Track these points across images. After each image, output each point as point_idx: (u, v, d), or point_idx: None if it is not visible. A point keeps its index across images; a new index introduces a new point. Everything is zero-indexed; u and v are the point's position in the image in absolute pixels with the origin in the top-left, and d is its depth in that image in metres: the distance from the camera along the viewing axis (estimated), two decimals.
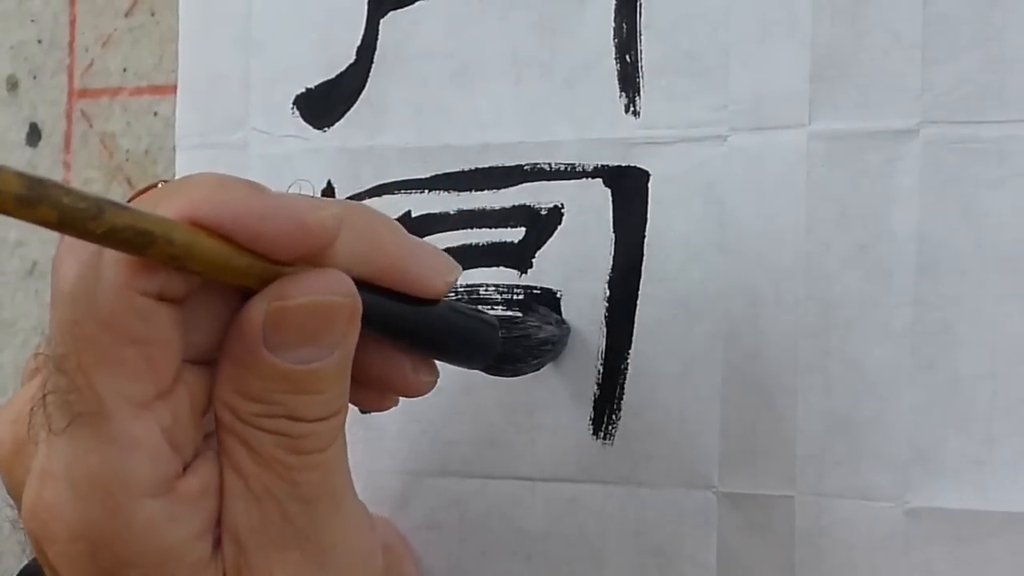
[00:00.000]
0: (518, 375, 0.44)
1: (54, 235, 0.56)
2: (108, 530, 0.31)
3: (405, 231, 0.36)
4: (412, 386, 0.38)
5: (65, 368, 0.31)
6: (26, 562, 0.47)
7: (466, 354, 0.40)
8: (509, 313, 0.42)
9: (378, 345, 0.36)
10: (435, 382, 0.38)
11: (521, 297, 0.46)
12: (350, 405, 0.35)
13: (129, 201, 0.50)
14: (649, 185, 0.45)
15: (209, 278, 0.31)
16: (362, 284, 0.33)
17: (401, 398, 0.39)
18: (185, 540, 0.32)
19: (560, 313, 0.46)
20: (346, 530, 0.35)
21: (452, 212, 0.48)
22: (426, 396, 0.47)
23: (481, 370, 0.41)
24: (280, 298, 0.31)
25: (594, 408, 0.45)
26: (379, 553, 0.38)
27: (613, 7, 0.46)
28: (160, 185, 0.49)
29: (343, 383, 0.33)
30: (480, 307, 0.45)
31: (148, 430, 0.31)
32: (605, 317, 0.45)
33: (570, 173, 0.46)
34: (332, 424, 0.33)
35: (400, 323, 0.36)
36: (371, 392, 0.38)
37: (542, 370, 0.46)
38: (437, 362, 0.39)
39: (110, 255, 0.30)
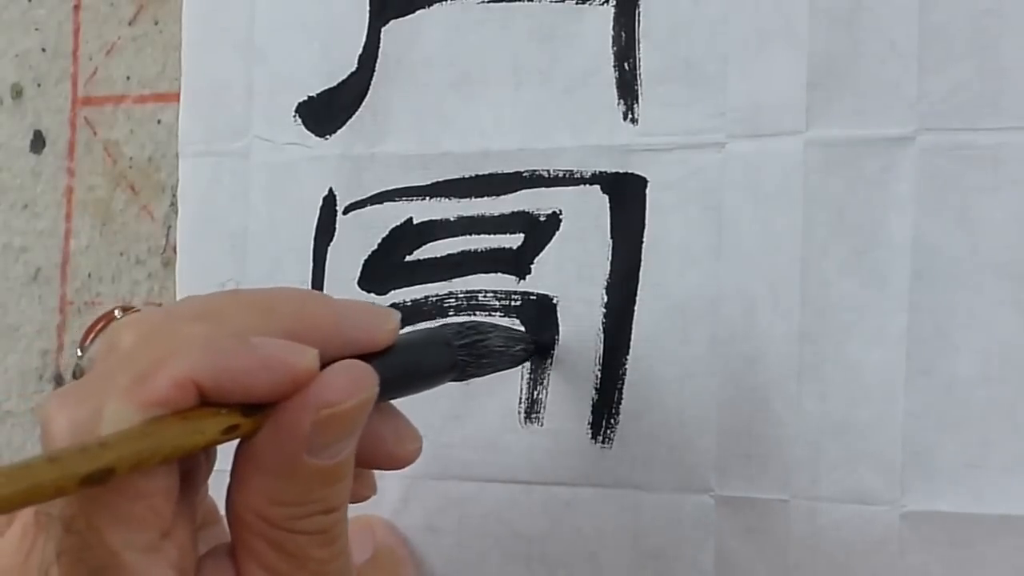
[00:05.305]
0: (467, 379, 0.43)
1: (57, 241, 0.57)
2: None
3: (332, 299, 0.36)
4: (398, 458, 0.37)
5: (75, 528, 0.31)
6: None
7: (431, 381, 0.40)
8: (463, 319, 0.42)
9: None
10: (420, 448, 0.38)
11: (519, 303, 0.47)
12: None
13: (88, 333, 0.49)
14: (647, 192, 0.45)
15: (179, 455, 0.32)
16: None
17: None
18: None
19: (557, 318, 0.46)
20: None
21: (452, 219, 0.48)
22: (425, 399, 0.48)
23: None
24: (327, 405, 0.32)
25: (592, 412, 0.46)
26: None
27: (612, 15, 0.46)
28: (118, 314, 0.49)
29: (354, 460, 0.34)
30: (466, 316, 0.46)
31: (162, 571, 0.32)
32: (603, 322, 0.46)
33: (569, 180, 0.46)
34: (347, 504, 0.34)
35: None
36: (357, 480, 0.38)
37: (542, 373, 0.46)
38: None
39: (107, 421, 0.31)
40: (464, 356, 0.40)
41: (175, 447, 0.31)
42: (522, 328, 0.47)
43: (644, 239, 0.45)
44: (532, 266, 0.47)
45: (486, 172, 0.48)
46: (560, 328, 0.46)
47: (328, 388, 0.32)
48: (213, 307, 0.34)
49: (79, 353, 0.50)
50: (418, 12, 0.49)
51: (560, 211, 0.46)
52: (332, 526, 0.33)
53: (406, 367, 0.37)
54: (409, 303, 0.48)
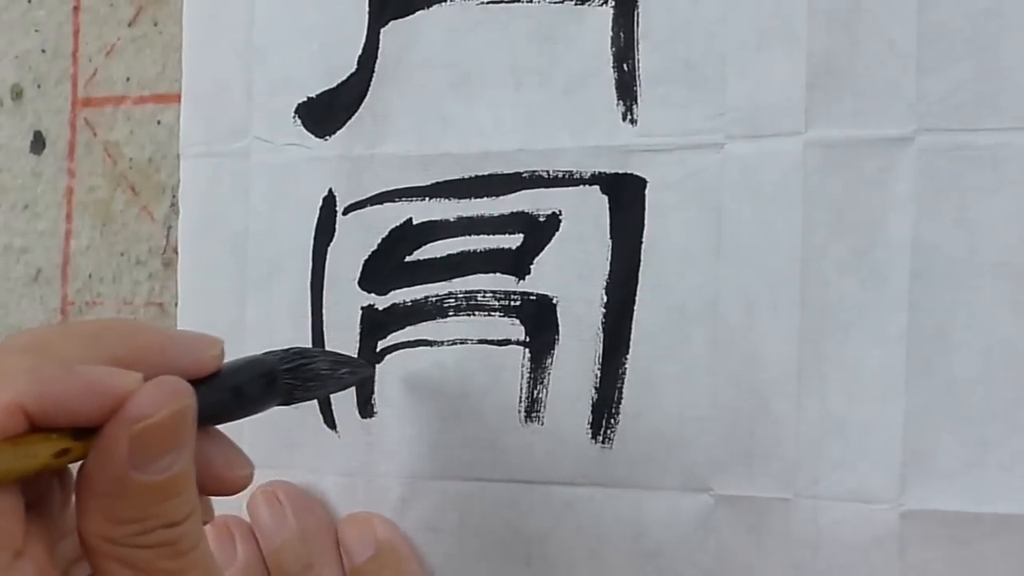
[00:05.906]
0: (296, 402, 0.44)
1: (58, 242, 0.57)
2: None
3: (157, 327, 0.37)
4: (228, 483, 0.38)
5: None
6: None
7: (259, 405, 0.40)
8: (290, 348, 0.43)
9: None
10: (250, 475, 0.38)
11: (518, 303, 0.47)
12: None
13: None
14: (646, 192, 0.45)
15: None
16: None
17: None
18: None
19: (557, 318, 0.46)
20: None
21: (452, 219, 0.48)
22: (425, 400, 0.48)
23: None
24: (139, 419, 0.33)
25: (593, 412, 0.46)
26: None
27: (611, 16, 0.46)
28: None
29: (194, 476, 0.35)
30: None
31: None
32: (603, 322, 0.46)
33: (568, 180, 0.46)
34: (196, 517, 0.35)
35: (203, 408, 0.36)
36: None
37: (542, 372, 0.46)
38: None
39: None
40: (290, 380, 0.41)
41: (7, 471, 0.32)
42: (522, 325, 0.47)
43: (643, 239, 0.45)
44: (532, 266, 0.47)
45: (486, 173, 0.48)
46: (560, 328, 0.46)
47: (140, 402, 0.33)
48: (42, 339, 0.35)
49: None
50: (417, 13, 0.49)
51: (560, 212, 0.46)
52: (178, 539, 0.34)
53: (231, 391, 0.38)
54: (409, 303, 0.49)
